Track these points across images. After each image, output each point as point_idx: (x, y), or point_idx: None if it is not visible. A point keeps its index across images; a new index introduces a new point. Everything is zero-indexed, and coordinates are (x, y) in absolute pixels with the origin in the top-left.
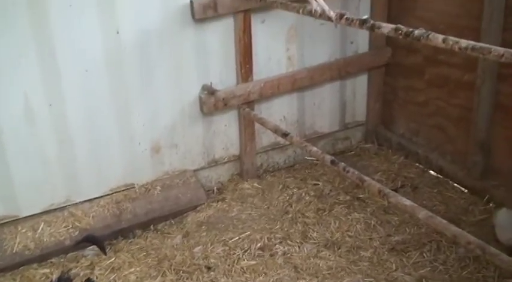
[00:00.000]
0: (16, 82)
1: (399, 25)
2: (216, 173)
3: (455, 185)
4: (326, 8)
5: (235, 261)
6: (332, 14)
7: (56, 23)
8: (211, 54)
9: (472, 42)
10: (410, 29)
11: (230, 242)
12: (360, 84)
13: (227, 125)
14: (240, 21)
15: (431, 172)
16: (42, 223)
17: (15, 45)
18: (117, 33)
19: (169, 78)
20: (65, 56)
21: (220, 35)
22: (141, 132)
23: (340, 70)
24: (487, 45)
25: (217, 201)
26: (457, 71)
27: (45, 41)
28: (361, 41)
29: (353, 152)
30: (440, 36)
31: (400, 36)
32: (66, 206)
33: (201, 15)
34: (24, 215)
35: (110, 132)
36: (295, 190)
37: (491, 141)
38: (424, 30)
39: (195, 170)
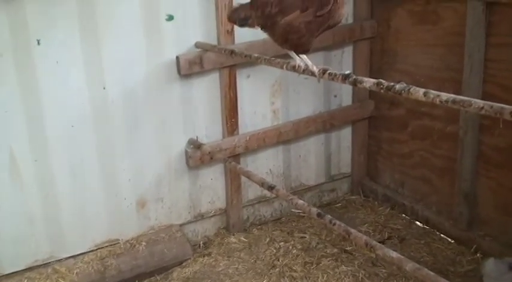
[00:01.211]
0: (1, 137)
1: (381, 80)
2: (202, 227)
3: (442, 235)
4: (309, 63)
5: None
6: (315, 69)
7: (43, 79)
8: (197, 108)
9: (452, 96)
10: (392, 84)
11: None
12: (344, 137)
13: (213, 179)
14: (226, 76)
15: (418, 223)
16: (26, 280)
17: (1, 100)
18: (104, 88)
19: (155, 133)
20: (51, 111)
21: (206, 89)
22: (126, 187)
23: (324, 123)
24: (467, 98)
25: (204, 256)
26: (439, 122)
27: (32, 96)
28: (344, 94)
29: (339, 204)
30: (421, 90)
31: (382, 91)
32: (50, 262)
33: (187, 71)
34: (7, 272)
35: (95, 188)
36: (282, 243)
37: (476, 192)
38: (404, 85)
39: (181, 224)
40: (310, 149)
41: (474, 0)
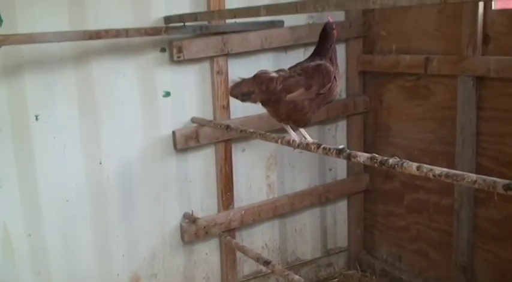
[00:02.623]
0: None
1: (374, 154)
2: None
3: None
4: (308, 138)
5: None
6: (310, 141)
7: (40, 154)
8: (192, 182)
9: (445, 170)
10: (385, 158)
11: None
12: (340, 210)
13: (208, 254)
14: (221, 150)
15: None
16: None
17: None
18: (100, 163)
19: (150, 207)
20: (46, 185)
21: (201, 163)
22: (120, 263)
23: (320, 196)
24: (460, 172)
25: None
26: (434, 195)
27: (28, 171)
28: (339, 167)
29: (336, 279)
30: (414, 164)
31: (376, 165)
32: None
33: (182, 146)
34: None
35: (89, 264)
36: None
37: (473, 265)
38: (398, 159)
39: None
40: (306, 223)
41: (464, 75)
